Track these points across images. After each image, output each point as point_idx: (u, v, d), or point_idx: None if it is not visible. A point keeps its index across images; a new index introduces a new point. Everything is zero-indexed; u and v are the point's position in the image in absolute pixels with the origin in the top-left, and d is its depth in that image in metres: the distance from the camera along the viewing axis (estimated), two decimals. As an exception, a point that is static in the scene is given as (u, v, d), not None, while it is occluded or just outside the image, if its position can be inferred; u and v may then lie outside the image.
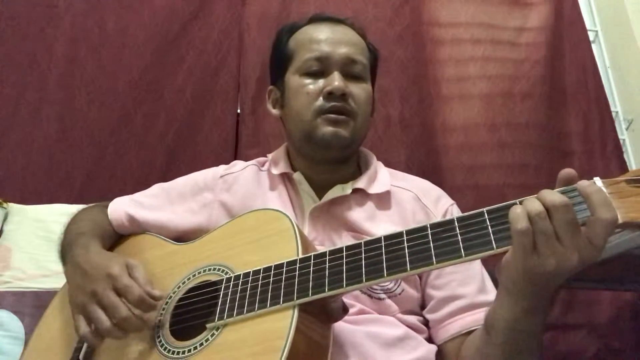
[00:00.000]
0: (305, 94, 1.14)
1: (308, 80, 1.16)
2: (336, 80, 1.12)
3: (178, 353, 0.89)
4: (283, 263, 0.88)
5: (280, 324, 0.81)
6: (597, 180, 0.73)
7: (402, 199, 1.18)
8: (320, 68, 1.15)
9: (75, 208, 1.31)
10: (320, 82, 1.14)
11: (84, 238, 1.09)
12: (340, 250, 0.85)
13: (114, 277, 0.93)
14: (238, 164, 1.30)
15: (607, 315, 1.97)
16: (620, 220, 0.69)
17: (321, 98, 1.13)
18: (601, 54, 2.49)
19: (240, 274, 0.92)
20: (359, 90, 1.16)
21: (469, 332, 1.02)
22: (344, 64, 1.16)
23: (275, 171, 1.21)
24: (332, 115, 1.12)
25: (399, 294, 1.05)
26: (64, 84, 1.93)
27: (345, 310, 0.92)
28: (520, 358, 0.86)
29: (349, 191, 1.15)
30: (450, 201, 1.22)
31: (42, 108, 1.89)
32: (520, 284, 0.77)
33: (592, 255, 0.71)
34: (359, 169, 1.24)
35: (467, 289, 1.06)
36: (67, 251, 1.11)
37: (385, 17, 2.20)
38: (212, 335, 0.87)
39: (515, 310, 0.80)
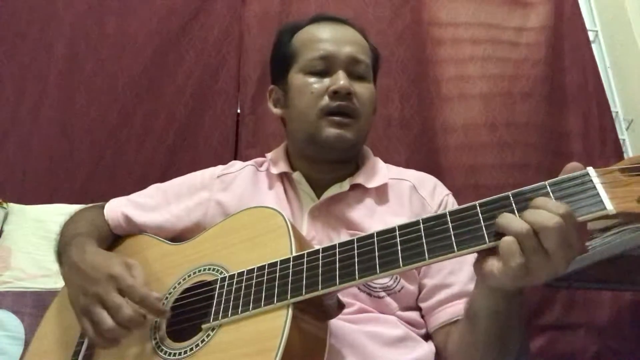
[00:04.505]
0: (310, 93, 1.14)
1: (312, 79, 1.15)
2: (341, 80, 1.12)
3: (174, 354, 0.90)
4: (277, 262, 0.88)
5: (274, 324, 0.81)
6: (591, 170, 0.72)
7: (399, 190, 1.18)
8: (325, 67, 1.15)
9: (75, 208, 1.30)
10: (326, 81, 1.14)
11: (80, 238, 1.09)
12: (333, 247, 0.85)
13: (116, 277, 0.92)
14: (236, 164, 1.30)
15: (607, 315, 1.97)
16: (614, 211, 0.67)
17: (326, 97, 1.12)
18: (601, 54, 2.48)
19: (234, 274, 0.92)
20: (363, 90, 1.16)
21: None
22: (348, 64, 1.16)
23: (275, 171, 1.21)
24: (337, 118, 1.12)
25: (399, 291, 1.06)
26: (64, 84, 1.94)
27: (341, 307, 0.92)
28: (504, 338, 0.87)
29: (347, 187, 1.15)
30: (446, 191, 1.22)
31: (42, 108, 1.90)
32: (505, 289, 0.79)
33: (574, 256, 0.71)
34: (357, 166, 1.24)
35: (458, 277, 1.07)
36: (63, 252, 1.10)
37: (385, 17, 2.20)
38: (207, 336, 0.87)
39: (496, 296, 0.81)
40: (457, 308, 1.04)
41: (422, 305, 1.09)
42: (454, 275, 1.07)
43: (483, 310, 0.85)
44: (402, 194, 1.17)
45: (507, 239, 0.71)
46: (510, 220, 0.71)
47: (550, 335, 1.93)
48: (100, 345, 0.94)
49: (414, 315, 1.07)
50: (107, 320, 0.90)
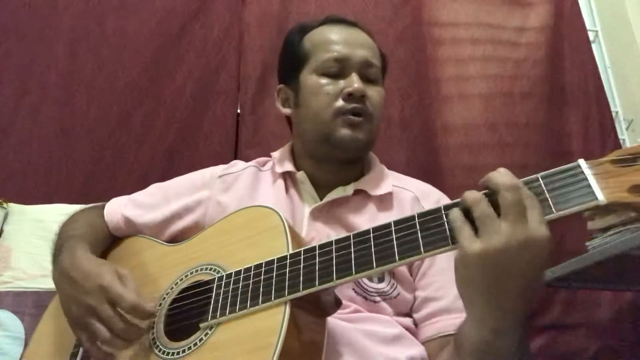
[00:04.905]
0: (325, 94, 1.14)
1: (326, 81, 1.15)
2: (356, 82, 1.12)
3: (173, 354, 0.89)
4: (273, 259, 0.87)
5: (272, 321, 0.80)
6: (582, 162, 0.71)
7: (402, 199, 1.17)
8: (339, 69, 1.15)
9: (75, 208, 1.29)
10: (341, 83, 1.14)
11: (71, 242, 1.08)
12: (329, 243, 0.85)
13: (106, 288, 0.92)
14: (237, 164, 1.29)
15: (607, 315, 1.97)
16: (605, 201, 0.67)
17: (341, 99, 1.13)
18: (601, 54, 2.49)
19: (231, 272, 0.91)
20: (375, 94, 1.17)
21: (449, 335, 0.99)
22: (361, 67, 1.16)
23: (280, 170, 1.21)
24: (351, 117, 1.12)
25: (395, 297, 1.05)
26: (64, 84, 1.94)
27: (338, 303, 0.91)
28: None
29: (351, 192, 1.15)
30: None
31: (42, 108, 1.90)
32: (475, 286, 0.73)
33: (530, 234, 0.69)
34: (362, 171, 1.24)
35: (447, 292, 1.04)
36: (57, 254, 1.09)
37: (385, 17, 2.21)
38: (205, 335, 0.87)
39: (482, 333, 0.77)
40: (443, 324, 1.02)
41: (415, 316, 1.08)
42: (442, 290, 1.05)
43: (468, 344, 0.81)
44: (404, 204, 1.16)
45: (454, 209, 0.74)
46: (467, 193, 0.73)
47: (550, 335, 1.93)
48: (97, 357, 0.95)
49: (408, 321, 1.06)
50: (103, 332, 0.90)
